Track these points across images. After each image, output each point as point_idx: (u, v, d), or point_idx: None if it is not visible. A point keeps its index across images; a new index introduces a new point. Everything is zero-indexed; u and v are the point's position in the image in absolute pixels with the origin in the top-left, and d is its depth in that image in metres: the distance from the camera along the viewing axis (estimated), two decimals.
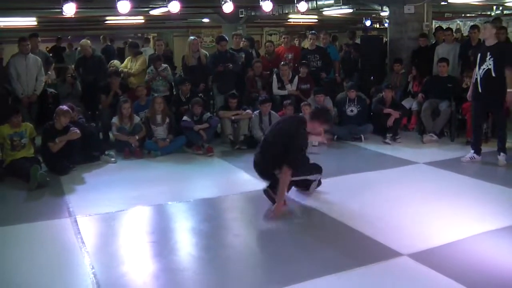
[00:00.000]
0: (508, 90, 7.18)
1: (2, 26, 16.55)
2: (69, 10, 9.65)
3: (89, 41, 10.61)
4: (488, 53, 7.25)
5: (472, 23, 14.18)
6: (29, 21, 15.90)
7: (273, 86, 10.22)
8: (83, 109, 9.42)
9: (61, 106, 7.97)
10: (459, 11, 18.60)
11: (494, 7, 16.34)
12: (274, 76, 10.31)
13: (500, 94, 7.24)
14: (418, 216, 5.49)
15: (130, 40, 16.55)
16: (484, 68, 7.29)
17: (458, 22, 18.50)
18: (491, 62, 7.20)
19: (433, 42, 11.18)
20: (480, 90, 7.37)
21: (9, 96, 8.95)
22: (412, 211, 5.65)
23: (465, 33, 14.04)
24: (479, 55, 7.41)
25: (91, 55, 10.38)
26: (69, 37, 19.81)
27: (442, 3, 13.32)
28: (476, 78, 7.43)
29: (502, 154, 7.46)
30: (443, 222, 5.30)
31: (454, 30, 14.13)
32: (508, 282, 4.10)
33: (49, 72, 10.11)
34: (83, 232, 5.32)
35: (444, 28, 12.10)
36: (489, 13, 17.25)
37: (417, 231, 5.08)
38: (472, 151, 7.69)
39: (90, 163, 8.02)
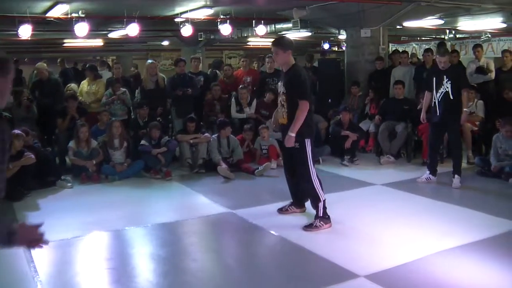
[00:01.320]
0: (464, 109, 7.45)
1: None
2: (25, 32, 9.53)
3: (45, 64, 10.49)
4: (445, 77, 7.43)
5: (427, 47, 14.56)
6: None
7: (231, 109, 10.25)
8: (39, 133, 9.25)
9: (14, 130, 7.81)
10: (415, 35, 19.10)
11: (447, 31, 16.84)
12: (233, 99, 10.34)
13: (458, 114, 7.46)
14: (375, 237, 5.53)
15: (88, 64, 16.40)
16: (442, 92, 7.46)
17: (414, 45, 18.99)
18: (448, 85, 7.39)
19: (389, 65, 11.42)
20: (438, 113, 7.53)
21: None
22: (369, 232, 5.69)
23: (420, 56, 14.38)
24: (434, 79, 7.57)
25: (47, 78, 10.24)
26: (25, 60, 19.54)
27: (398, 27, 13.62)
28: (434, 102, 7.57)
29: (456, 176, 7.59)
30: (400, 242, 5.37)
31: (410, 53, 14.50)
32: None
33: None
34: (36, 260, 5.17)
35: (400, 51, 12.39)
36: (442, 36, 17.77)
37: (374, 251, 5.12)
38: (428, 171, 7.84)
39: (46, 188, 7.85)
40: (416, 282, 4.45)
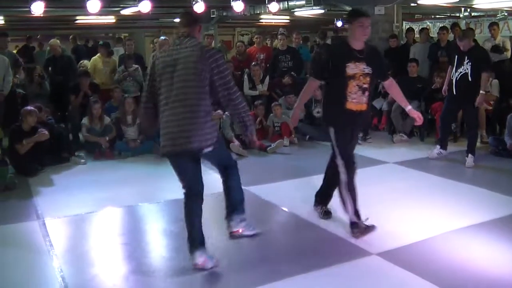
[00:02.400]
0: (481, 91, 7.36)
1: None
2: (37, 9, 9.53)
3: (58, 41, 10.48)
4: (466, 57, 7.34)
5: (441, 25, 14.39)
6: None
7: (244, 86, 10.22)
8: (52, 109, 9.29)
9: (26, 107, 7.86)
10: (429, 13, 18.85)
11: (463, 9, 16.59)
12: (245, 76, 10.30)
13: (474, 96, 7.39)
14: (388, 215, 5.53)
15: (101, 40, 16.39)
16: (460, 72, 7.39)
17: (428, 23, 18.74)
18: (468, 67, 7.31)
19: (404, 43, 11.31)
20: (454, 92, 7.48)
21: None
22: (382, 210, 5.68)
23: (433, 34, 14.21)
24: (456, 57, 7.49)
25: (60, 54, 10.26)
26: (38, 37, 19.52)
27: (412, 4, 13.45)
28: (451, 80, 7.53)
29: (470, 155, 7.55)
30: (413, 221, 5.37)
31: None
32: (477, 279, 4.16)
33: (17, 76, 9.94)
34: (52, 234, 5.25)
35: (415, 29, 12.28)
36: (457, 14, 17.52)
37: (387, 230, 5.12)
38: (439, 146, 7.83)
39: (59, 164, 7.92)
40: (429, 260, 4.46)
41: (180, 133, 4.04)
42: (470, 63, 7.31)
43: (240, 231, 4.58)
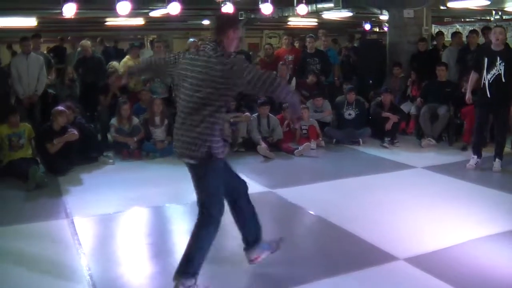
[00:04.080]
0: None
1: (1, 26, 16.53)
2: (69, 11, 9.66)
3: (89, 42, 10.63)
4: (498, 58, 7.20)
5: (471, 28, 14.21)
6: (29, 22, 15.88)
7: None
8: (82, 109, 9.40)
9: (57, 107, 7.98)
10: (459, 16, 18.62)
11: (494, 12, 16.35)
12: None
13: (508, 98, 7.29)
14: (415, 220, 5.49)
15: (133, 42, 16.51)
16: (494, 73, 7.23)
17: (458, 26, 18.53)
18: (502, 68, 7.16)
19: (432, 47, 11.20)
20: (488, 95, 7.32)
21: (9, 97, 8.92)
22: (409, 215, 5.65)
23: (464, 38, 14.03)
24: (486, 60, 7.31)
25: (91, 55, 10.39)
26: (69, 38, 19.78)
27: (442, 7, 13.31)
28: (484, 83, 7.34)
29: (497, 160, 7.43)
30: (440, 227, 5.31)
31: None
32: (505, 287, 4.10)
33: (49, 77, 10.10)
34: (80, 233, 5.32)
35: (445, 33, 12.15)
36: (488, 18, 17.28)
37: (414, 235, 5.09)
38: (475, 156, 7.62)
39: (88, 164, 8.02)
40: (456, 267, 4.41)
41: (178, 139, 3.91)
42: (503, 63, 7.14)
43: (260, 257, 4.40)
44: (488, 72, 7.28)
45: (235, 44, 3.98)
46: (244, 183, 4.34)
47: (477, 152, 7.65)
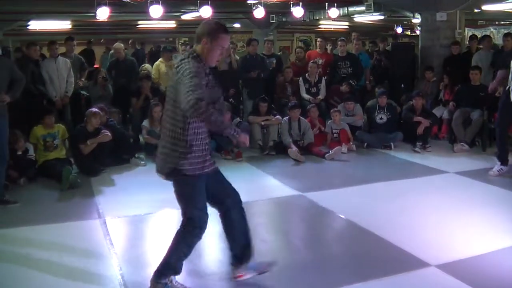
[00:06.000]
0: None
1: (38, 29, 16.88)
2: (103, 14, 9.81)
3: (122, 44, 10.76)
4: None
5: (506, 31, 13.98)
6: (64, 25, 16.19)
7: (300, 90, 10.24)
8: (117, 110, 9.46)
9: (91, 108, 8.10)
10: (493, 19, 18.36)
11: None
12: (301, 79, 10.32)
13: None
14: (447, 226, 5.42)
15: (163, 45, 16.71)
16: None
17: (492, 30, 18.25)
18: None
19: (466, 50, 11.05)
20: (511, 99, 7.10)
21: (43, 98, 9.08)
22: (441, 221, 5.57)
23: (498, 41, 13.82)
24: (511, 62, 7.15)
25: (123, 58, 10.52)
26: (102, 41, 20.11)
27: (476, 10, 13.14)
28: (509, 87, 7.15)
29: None
30: (473, 233, 5.23)
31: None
32: None
33: (83, 79, 10.26)
34: (112, 233, 5.39)
35: (479, 36, 11.96)
36: None
37: (446, 241, 5.02)
38: (499, 162, 7.41)
39: (120, 165, 8.12)
40: (489, 275, 4.33)
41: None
42: None
43: (244, 276, 4.24)
44: None
45: (214, 55, 3.76)
46: (236, 195, 4.27)
47: (502, 158, 7.40)
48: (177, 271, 4.04)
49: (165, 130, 3.87)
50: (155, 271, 4.01)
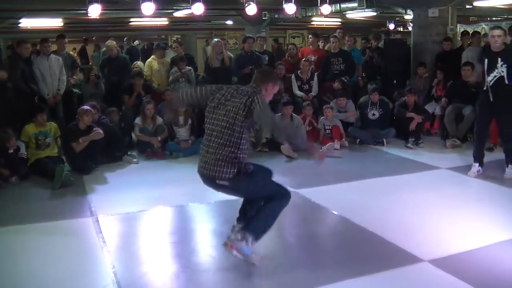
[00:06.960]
0: None
1: (29, 27, 16.81)
2: (94, 11, 9.76)
3: (114, 42, 10.72)
4: (499, 59, 6.82)
5: None
6: (55, 22, 16.13)
7: (293, 86, 10.23)
8: (115, 110, 9.41)
9: (83, 106, 8.07)
10: (485, 15, 18.42)
11: None
12: (293, 76, 10.32)
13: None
14: (440, 222, 5.43)
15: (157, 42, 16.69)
16: (495, 76, 6.85)
17: (483, 26, 18.31)
18: (504, 69, 6.78)
19: (458, 46, 11.08)
20: (491, 99, 6.95)
21: (34, 96, 9.05)
22: (434, 217, 5.59)
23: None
24: (486, 61, 6.95)
25: (116, 55, 10.48)
26: (93, 38, 20.02)
27: (467, 6, 13.17)
28: (487, 86, 6.96)
29: (510, 166, 7.06)
30: (466, 228, 5.25)
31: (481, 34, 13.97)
32: None
33: (74, 77, 10.21)
34: (105, 231, 5.37)
35: (470, 32, 11.98)
36: None
37: (439, 237, 5.03)
38: (477, 164, 7.24)
39: (112, 163, 8.09)
40: (482, 269, 4.36)
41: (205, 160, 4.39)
42: (505, 65, 6.75)
43: (233, 248, 4.33)
44: (488, 74, 6.91)
45: (270, 96, 4.57)
46: None
47: (479, 160, 7.26)
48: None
49: (217, 139, 4.31)
50: (249, 233, 4.29)
